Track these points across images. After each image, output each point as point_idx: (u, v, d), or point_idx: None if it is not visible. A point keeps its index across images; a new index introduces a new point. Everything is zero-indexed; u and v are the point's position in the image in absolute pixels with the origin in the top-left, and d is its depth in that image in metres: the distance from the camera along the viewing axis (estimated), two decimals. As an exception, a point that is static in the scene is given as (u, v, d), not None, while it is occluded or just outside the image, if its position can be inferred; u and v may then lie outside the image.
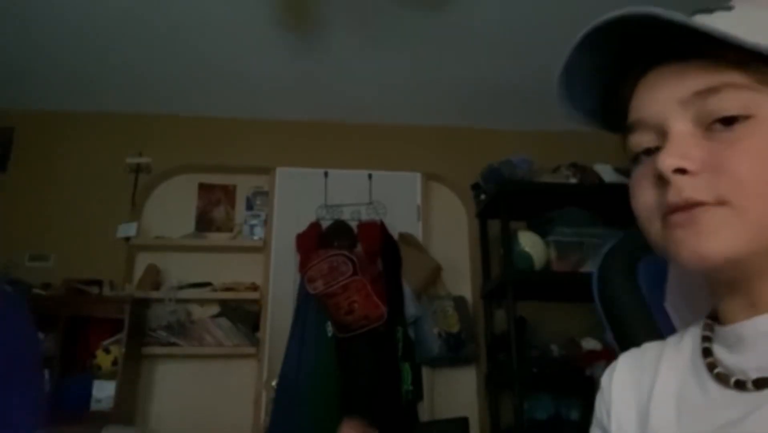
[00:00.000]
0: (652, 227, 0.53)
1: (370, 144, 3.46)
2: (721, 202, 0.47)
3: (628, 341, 0.73)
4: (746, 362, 0.50)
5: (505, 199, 2.92)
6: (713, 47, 0.47)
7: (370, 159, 3.42)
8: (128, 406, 2.87)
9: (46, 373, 2.47)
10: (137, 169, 3.27)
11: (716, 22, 0.48)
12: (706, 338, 0.56)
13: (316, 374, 2.80)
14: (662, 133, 0.51)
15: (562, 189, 2.97)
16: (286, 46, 2.82)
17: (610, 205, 2.71)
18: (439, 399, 3.11)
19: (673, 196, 0.49)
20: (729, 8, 0.51)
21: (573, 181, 2.99)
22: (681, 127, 0.50)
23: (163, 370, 3.08)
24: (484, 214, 3.25)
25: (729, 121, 0.48)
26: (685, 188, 0.48)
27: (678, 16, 0.46)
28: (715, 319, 0.57)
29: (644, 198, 0.52)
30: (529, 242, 2.87)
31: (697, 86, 0.49)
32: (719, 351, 0.53)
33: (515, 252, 2.83)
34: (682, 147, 0.49)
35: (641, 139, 0.53)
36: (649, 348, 0.63)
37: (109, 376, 2.74)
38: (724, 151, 0.48)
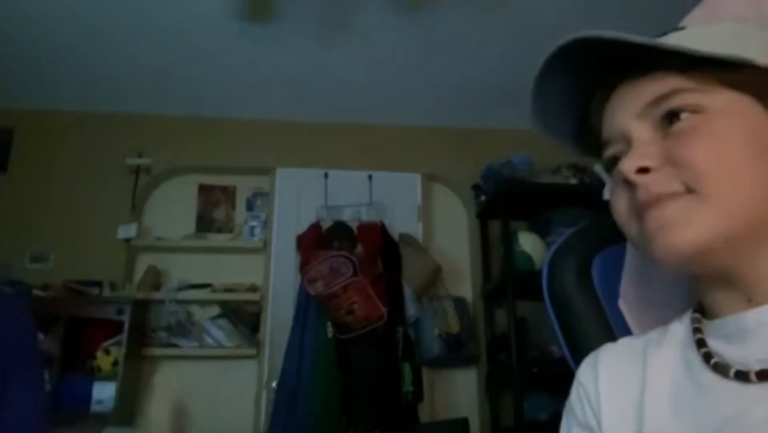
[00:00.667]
0: (631, 230, 0.55)
1: (370, 145, 3.47)
2: (690, 191, 0.49)
3: (579, 342, 0.70)
4: (748, 353, 0.50)
5: (505, 199, 2.92)
6: (660, 62, 0.52)
7: (370, 160, 3.42)
8: (128, 407, 2.87)
9: (47, 374, 2.47)
10: (137, 170, 3.27)
11: (665, 40, 0.54)
12: (697, 330, 0.55)
13: (317, 375, 2.80)
14: (629, 144, 0.55)
15: (562, 190, 2.98)
16: (287, 47, 2.82)
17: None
18: (440, 400, 3.11)
19: (642, 195, 0.51)
20: (681, 29, 0.57)
21: (573, 181, 3.00)
22: (640, 134, 0.54)
23: (164, 371, 3.07)
24: (484, 215, 3.26)
25: (676, 115, 0.52)
26: (652, 184, 0.51)
27: (611, 33, 0.51)
28: (701, 312, 0.57)
29: (619, 204, 0.55)
30: (529, 243, 2.88)
31: (649, 97, 0.53)
32: (715, 343, 0.53)
33: (515, 252, 2.83)
34: (643, 149, 0.53)
35: (612, 151, 0.57)
36: (628, 343, 0.61)
37: (110, 377, 2.74)
38: (679, 142, 0.51)
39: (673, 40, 0.54)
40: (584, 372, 0.62)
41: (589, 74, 0.58)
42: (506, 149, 3.17)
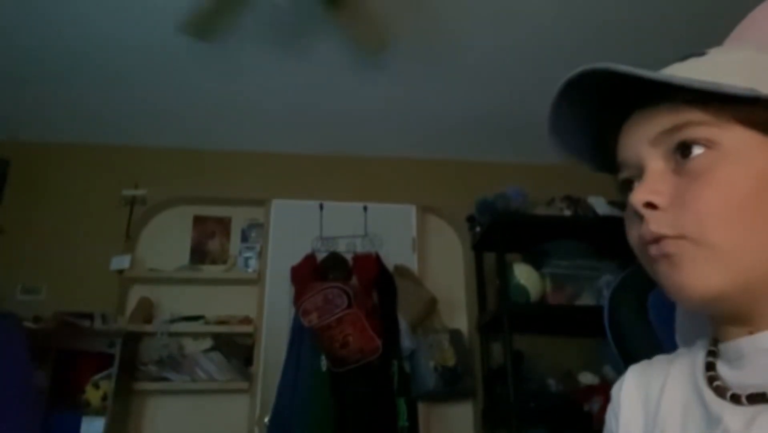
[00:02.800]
0: (642, 260, 0.57)
1: (365, 176, 3.48)
2: (683, 237, 0.50)
3: None
4: (744, 377, 0.53)
5: (499, 231, 2.92)
6: (675, 91, 0.52)
7: (365, 191, 3.44)
8: (117, 443, 2.80)
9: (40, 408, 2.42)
10: (132, 201, 3.27)
11: (684, 68, 0.55)
12: (711, 353, 0.58)
13: (310, 410, 2.75)
14: (642, 170, 0.56)
15: (556, 221, 2.99)
16: (282, 78, 2.86)
17: (605, 237, 2.73)
18: (436, 435, 3.05)
19: (644, 230, 0.53)
20: (702, 54, 0.56)
21: (567, 213, 3.01)
22: (653, 164, 0.54)
23: (154, 405, 3.02)
24: (479, 247, 3.26)
25: (689, 149, 0.52)
26: (651, 222, 0.52)
27: (624, 67, 0.51)
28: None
29: (632, 230, 0.57)
30: (524, 274, 2.87)
31: (663, 126, 0.54)
32: (721, 367, 0.56)
33: (511, 284, 2.82)
34: (653, 183, 0.53)
35: (627, 174, 0.59)
36: (659, 360, 0.65)
37: (99, 412, 2.68)
38: (689, 185, 0.51)
39: (690, 68, 0.54)
40: (615, 388, 0.66)
41: (604, 100, 0.59)
42: (500, 181, 3.19)
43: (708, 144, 0.51)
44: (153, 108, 3.09)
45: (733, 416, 0.51)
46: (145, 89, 2.92)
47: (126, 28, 2.48)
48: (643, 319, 0.78)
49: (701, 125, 0.52)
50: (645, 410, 0.61)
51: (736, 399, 0.51)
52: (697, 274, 0.50)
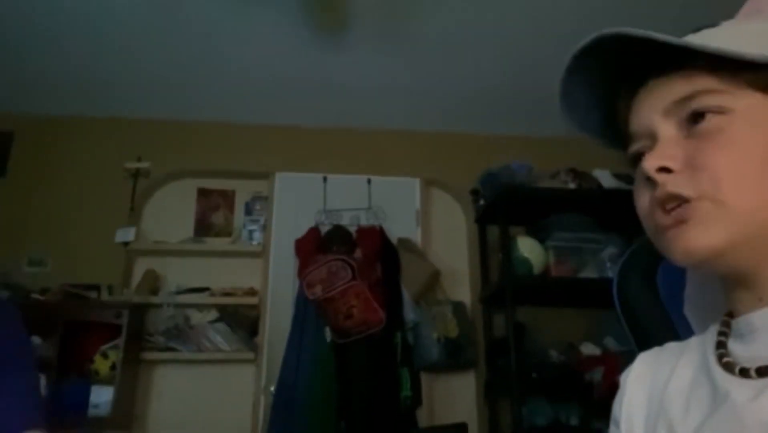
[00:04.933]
0: (649, 228, 0.57)
1: (369, 149, 3.47)
2: (701, 197, 0.51)
3: (649, 344, 0.74)
4: (755, 351, 0.52)
5: (503, 204, 2.92)
6: (689, 59, 0.52)
7: (369, 164, 3.43)
8: (126, 411, 2.86)
9: (43, 378, 2.46)
10: (136, 173, 3.27)
11: (698, 38, 0.54)
12: (722, 333, 0.58)
13: (315, 380, 2.79)
14: (654, 140, 0.56)
15: (560, 194, 2.98)
16: (286, 53, 2.82)
17: (609, 210, 2.73)
18: (438, 405, 3.10)
19: (658, 192, 0.53)
20: (714, 25, 0.57)
21: (572, 186, 2.99)
22: (666, 132, 0.55)
23: (161, 375, 3.07)
24: (482, 220, 3.26)
25: (702, 117, 0.52)
26: (668, 184, 0.52)
27: (641, 32, 0.51)
28: (730, 315, 0.59)
29: (641, 200, 0.57)
30: (527, 248, 2.88)
31: (676, 95, 0.54)
32: (733, 343, 0.56)
33: (514, 257, 2.83)
34: (665, 149, 0.54)
35: (637, 146, 0.58)
36: (671, 347, 0.65)
37: (107, 381, 2.73)
38: (702, 146, 0.52)
39: (703, 38, 0.54)
40: (624, 375, 0.66)
41: (617, 69, 0.59)
42: (505, 154, 3.18)
43: (721, 111, 0.52)
44: (156, 80, 3.06)
45: (740, 388, 0.51)
46: (148, 61, 2.90)
47: (126, -2, 2.45)
48: (653, 293, 0.78)
49: (714, 93, 0.52)
50: (650, 395, 0.61)
51: (745, 373, 0.51)
52: (704, 232, 0.50)
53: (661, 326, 0.76)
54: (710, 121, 0.52)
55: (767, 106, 0.52)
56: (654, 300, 0.78)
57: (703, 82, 0.52)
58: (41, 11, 2.53)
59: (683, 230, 0.51)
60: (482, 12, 2.55)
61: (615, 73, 0.59)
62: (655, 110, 0.55)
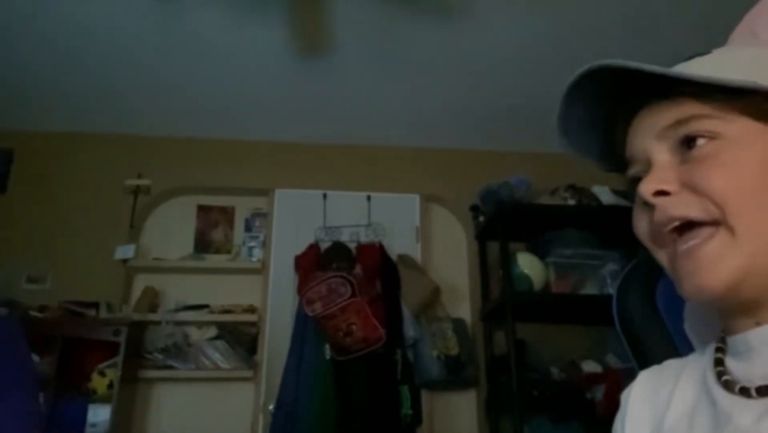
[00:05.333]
0: (656, 253, 0.58)
1: (369, 166, 3.48)
2: (716, 222, 0.51)
3: (648, 361, 0.73)
4: (753, 369, 0.53)
5: (503, 220, 2.92)
6: (680, 86, 0.54)
7: (369, 181, 3.43)
8: (124, 431, 2.83)
9: (41, 396, 2.44)
10: (136, 190, 3.27)
11: (688, 66, 0.56)
12: (719, 349, 0.58)
13: (314, 398, 2.77)
14: (650, 165, 0.57)
15: (560, 211, 2.98)
16: (286, 70, 2.85)
17: (608, 226, 2.73)
18: (439, 423, 3.07)
19: (657, 216, 0.54)
20: (706, 53, 0.58)
21: (571, 202, 3.00)
22: (660, 157, 0.56)
23: (160, 393, 3.04)
24: (482, 236, 3.25)
25: (694, 141, 0.54)
26: (668, 207, 0.53)
27: (629, 63, 0.53)
28: (724, 331, 0.59)
29: (640, 225, 0.58)
30: (527, 264, 2.87)
31: (668, 121, 0.55)
32: (730, 361, 0.56)
33: (514, 273, 2.83)
34: (660, 173, 0.55)
35: (635, 170, 0.60)
36: (670, 364, 0.65)
37: (105, 400, 2.70)
38: (696, 169, 0.53)
39: (695, 66, 0.56)
40: (625, 393, 0.66)
41: (614, 96, 0.60)
42: (504, 171, 3.18)
43: (713, 135, 0.53)
44: (157, 97, 3.08)
45: (742, 411, 0.51)
46: (148, 78, 2.92)
47: (126, 14, 2.47)
48: (653, 309, 0.78)
49: (705, 118, 0.53)
50: (652, 414, 0.61)
51: (745, 392, 0.51)
52: (720, 267, 0.50)
53: (660, 342, 0.76)
54: (703, 147, 0.53)
55: (758, 130, 0.53)
56: (654, 316, 0.77)
57: (694, 108, 0.54)
58: (42, 29, 2.56)
59: (697, 269, 0.52)
60: (480, 32, 2.57)
61: (612, 99, 0.61)
62: (649, 135, 0.57)
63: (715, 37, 0.69)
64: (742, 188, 0.51)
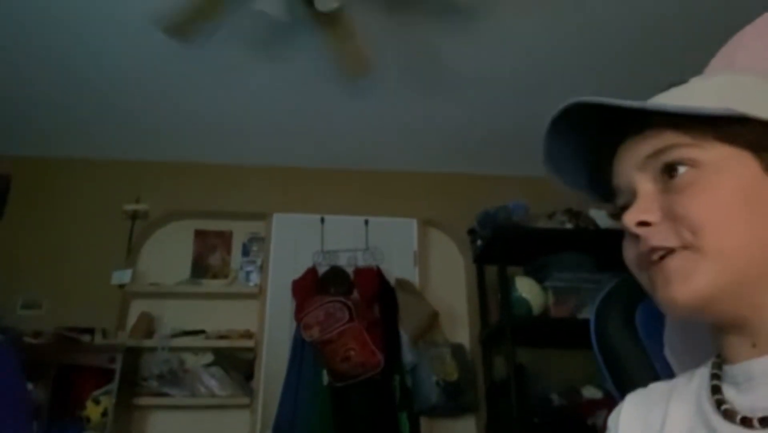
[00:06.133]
0: (641, 279, 0.59)
1: (367, 190, 3.49)
2: (685, 246, 0.53)
3: (627, 387, 0.72)
4: (755, 400, 0.52)
5: (501, 244, 2.92)
6: (659, 116, 0.56)
7: (367, 205, 3.44)
8: (117, 459, 2.78)
9: (35, 425, 2.40)
10: (134, 215, 3.27)
11: (665, 97, 0.58)
12: (715, 376, 0.57)
13: (311, 425, 2.73)
14: (634, 195, 0.59)
15: (558, 234, 2.98)
16: (282, 95, 2.87)
17: (606, 250, 2.72)
18: (438, 450, 3.03)
19: (641, 246, 0.56)
20: (683, 82, 0.60)
21: (569, 226, 3.01)
22: (643, 187, 0.57)
23: (155, 421, 3.00)
24: (480, 260, 3.25)
25: (675, 169, 0.55)
26: (649, 237, 0.55)
27: (606, 99, 0.55)
28: (721, 358, 0.58)
29: (628, 254, 0.59)
30: (526, 288, 2.86)
31: (648, 151, 0.57)
32: (728, 390, 0.55)
33: (513, 298, 2.82)
34: (644, 204, 0.56)
35: (622, 200, 0.61)
36: (657, 387, 0.64)
37: (99, 428, 2.66)
38: (677, 198, 0.54)
39: (672, 96, 0.58)
40: (612, 416, 0.65)
41: (598, 128, 0.62)
42: (502, 195, 3.20)
43: (691, 163, 0.54)
44: (154, 123, 3.11)
45: None
46: (145, 104, 2.94)
47: (123, 43, 2.50)
48: (632, 332, 0.77)
49: (683, 147, 0.55)
50: None
51: (747, 423, 0.51)
52: (693, 278, 0.52)
53: (640, 366, 0.75)
54: (683, 176, 0.54)
55: (733, 154, 0.54)
56: (633, 340, 0.77)
57: (672, 137, 0.55)
58: (37, 58, 2.58)
59: (669, 282, 0.53)
60: (478, 57, 2.61)
61: (599, 130, 0.62)
62: (631, 165, 0.58)
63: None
64: (718, 212, 0.52)
